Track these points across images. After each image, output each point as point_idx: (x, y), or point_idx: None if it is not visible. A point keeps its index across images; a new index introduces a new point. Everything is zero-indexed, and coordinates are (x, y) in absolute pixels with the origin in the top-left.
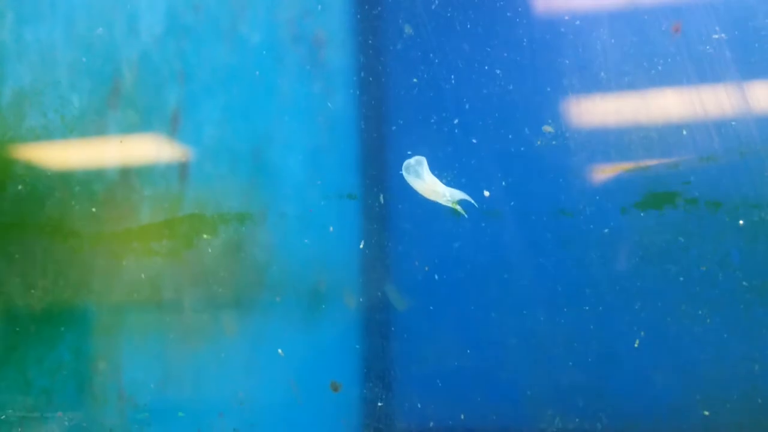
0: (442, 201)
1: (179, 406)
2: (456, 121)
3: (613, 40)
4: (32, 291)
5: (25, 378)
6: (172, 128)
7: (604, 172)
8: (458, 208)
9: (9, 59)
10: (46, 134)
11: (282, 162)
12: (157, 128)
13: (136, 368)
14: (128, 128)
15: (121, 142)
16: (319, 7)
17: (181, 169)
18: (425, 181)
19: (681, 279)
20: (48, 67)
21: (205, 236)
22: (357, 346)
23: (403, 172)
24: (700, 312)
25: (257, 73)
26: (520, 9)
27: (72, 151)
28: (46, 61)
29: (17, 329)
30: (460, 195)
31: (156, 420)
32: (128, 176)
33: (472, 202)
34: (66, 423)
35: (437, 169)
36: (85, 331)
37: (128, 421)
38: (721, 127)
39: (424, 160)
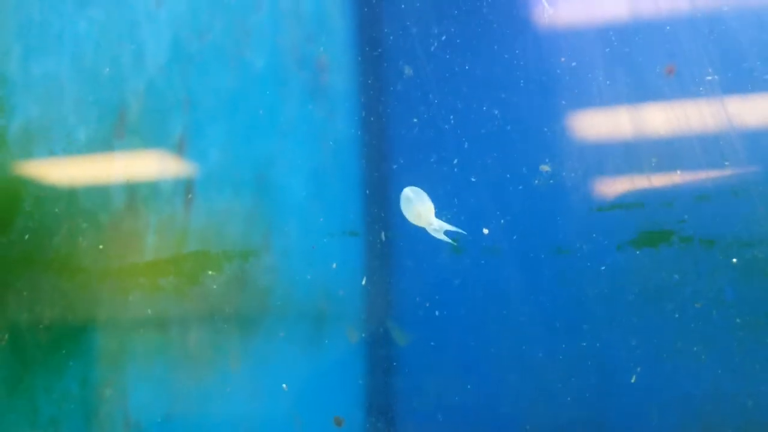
0: (429, 230)
1: None
2: (455, 161)
3: (608, 82)
4: (40, 326)
5: (33, 407)
6: (178, 155)
7: (600, 211)
8: (445, 238)
9: (16, 92)
10: (54, 163)
11: (285, 191)
12: (163, 155)
13: (141, 397)
14: (134, 156)
15: (126, 170)
16: (322, 49)
17: (187, 195)
18: (417, 210)
19: (676, 315)
20: (55, 99)
21: (210, 273)
22: (360, 381)
23: (401, 202)
24: (695, 348)
25: (262, 100)
26: (517, 52)
27: (78, 180)
28: (53, 94)
29: (25, 362)
30: (447, 226)
31: None
32: (134, 200)
33: (461, 231)
34: None
35: (437, 207)
36: (91, 363)
37: None
38: (714, 167)
39: (420, 191)
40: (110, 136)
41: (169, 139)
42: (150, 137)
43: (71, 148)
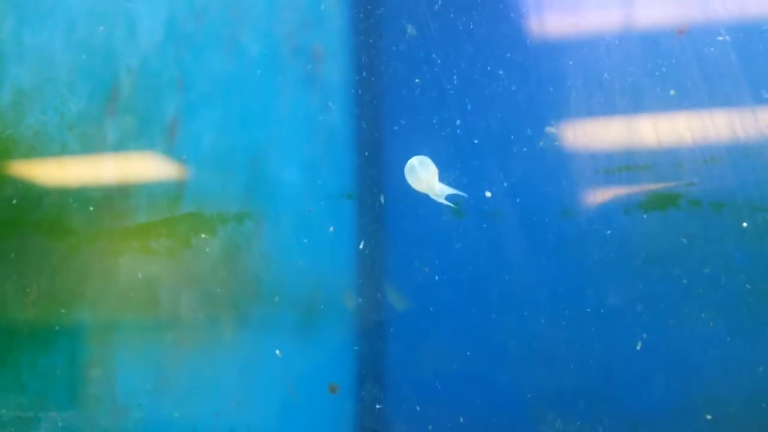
0: (432, 196)
1: (175, 407)
2: (458, 122)
3: (617, 41)
4: (27, 290)
5: (18, 381)
6: (170, 135)
7: (607, 174)
8: (447, 202)
9: (8, 61)
10: (45, 132)
11: (281, 168)
12: (155, 135)
13: (131, 368)
14: (126, 134)
15: (118, 148)
16: (322, 6)
17: (179, 178)
18: (419, 175)
19: (684, 281)
20: (47, 70)
21: (203, 236)
22: (355, 348)
23: (406, 169)
24: (703, 314)
25: (257, 84)
26: (523, 10)
27: (70, 152)
28: (45, 64)
29: (12, 331)
30: (449, 190)
31: (151, 420)
32: (126, 182)
33: (462, 194)
34: (60, 423)
35: (439, 169)
36: (80, 333)
37: (123, 420)
38: (724, 127)
39: (427, 159)
40: (102, 113)
41: (162, 118)
42: (143, 116)
43: (63, 120)
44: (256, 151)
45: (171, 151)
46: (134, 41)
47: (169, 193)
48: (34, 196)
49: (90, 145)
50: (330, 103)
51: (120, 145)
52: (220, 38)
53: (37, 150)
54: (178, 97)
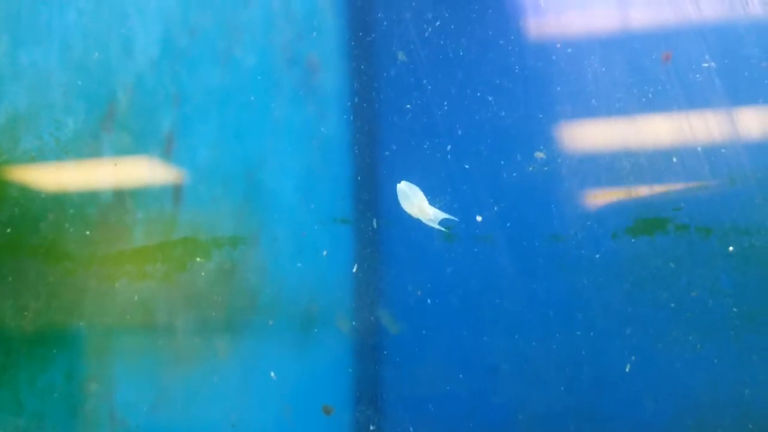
0: (425, 220)
1: (171, 429)
2: (449, 147)
3: (604, 68)
4: (25, 313)
5: (17, 400)
6: (167, 151)
7: (595, 198)
8: (438, 226)
9: (4, 81)
10: (41, 156)
11: (275, 185)
12: (152, 151)
13: (128, 390)
14: (122, 151)
15: (115, 164)
16: (314, 33)
17: (175, 192)
18: (411, 201)
19: (672, 305)
20: (43, 89)
21: (198, 259)
22: (349, 370)
23: (398, 194)
24: (690, 338)
25: (252, 98)
26: (512, 37)
27: (66, 173)
28: (41, 84)
29: (9, 351)
30: (442, 215)
31: None
32: (122, 198)
33: (455, 219)
34: None
35: (430, 194)
36: (77, 354)
37: None
38: (711, 153)
39: (413, 185)
40: (99, 130)
41: (158, 134)
42: (139, 132)
43: (59, 138)
44: (252, 163)
45: (167, 165)
46: (130, 59)
47: (164, 211)
48: (30, 219)
49: (87, 164)
50: (323, 129)
51: (117, 162)
52: (214, 52)
53: (34, 172)
54: (174, 112)
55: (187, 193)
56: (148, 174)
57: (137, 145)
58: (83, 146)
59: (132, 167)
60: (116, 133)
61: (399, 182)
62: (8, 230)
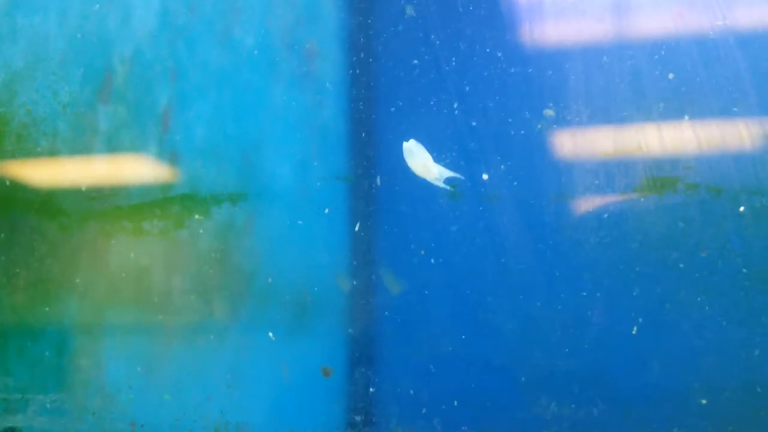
0: (432, 179)
1: (165, 389)
2: (456, 104)
3: (617, 24)
4: (17, 271)
5: (5, 368)
6: (163, 126)
7: (604, 157)
8: (445, 186)
9: (1, 41)
10: (37, 111)
11: (276, 149)
12: (148, 125)
13: (121, 350)
14: (118, 123)
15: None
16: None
17: (172, 166)
18: (417, 159)
19: (681, 265)
20: (40, 54)
21: (197, 216)
22: (350, 330)
23: (404, 152)
24: (699, 299)
25: (250, 78)
26: None
27: (62, 135)
28: (38, 47)
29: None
30: (447, 173)
31: (141, 402)
32: (118, 166)
33: (460, 177)
34: (48, 405)
35: (436, 152)
36: (68, 327)
37: (112, 403)
38: (723, 112)
39: (418, 144)
40: (95, 100)
41: (155, 109)
42: (135, 105)
43: (56, 100)
44: (250, 140)
45: (164, 140)
46: (128, 30)
47: (162, 177)
48: (25, 175)
49: (82, 130)
50: (328, 84)
51: (112, 134)
52: (214, 30)
53: (30, 129)
54: (171, 87)
55: (184, 167)
56: (146, 147)
57: (133, 118)
58: (79, 110)
59: (128, 139)
60: (113, 105)
61: (404, 139)
62: (6, 183)
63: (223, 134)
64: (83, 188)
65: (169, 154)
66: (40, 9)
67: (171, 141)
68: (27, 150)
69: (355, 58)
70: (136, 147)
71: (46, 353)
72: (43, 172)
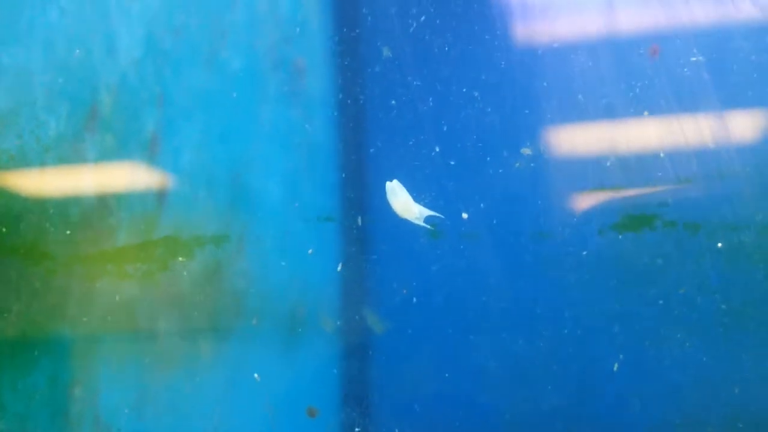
0: (413, 219)
1: (155, 431)
2: (434, 144)
3: (590, 64)
4: (6, 314)
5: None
6: (151, 152)
7: (581, 195)
8: (426, 225)
9: None
10: (22, 156)
11: (261, 185)
12: (136, 152)
13: (111, 392)
14: (106, 152)
15: (98, 170)
16: (298, 29)
17: (159, 193)
18: (399, 199)
19: (660, 302)
20: (25, 89)
21: (180, 259)
22: (334, 371)
23: (387, 192)
24: (678, 335)
25: (237, 99)
26: (498, 32)
27: (48, 174)
28: (23, 84)
29: None
30: (427, 212)
31: None
32: (105, 199)
33: (441, 216)
34: None
35: (416, 191)
36: (60, 357)
37: None
38: (699, 149)
39: (399, 184)
40: (81, 130)
41: (142, 135)
42: (122, 133)
43: (40, 137)
44: (237, 166)
45: (151, 167)
46: (113, 59)
47: (148, 213)
48: (11, 220)
49: (69, 165)
50: (307, 126)
51: (100, 164)
52: (199, 54)
53: (15, 173)
54: (158, 113)
55: (171, 194)
56: (132, 176)
57: (121, 146)
58: (66, 147)
59: (115, 170)
60: (99, 133)
61: (385, 179)
62: None
63: (209, 159)
64: (68, 232)
65: (156, 180)
66: (25, 45)
67: (159, 167)
68: (11, 196)
69: (335, 99)
70: (122, 174)
71: (38, 398)
72: (28, 216)
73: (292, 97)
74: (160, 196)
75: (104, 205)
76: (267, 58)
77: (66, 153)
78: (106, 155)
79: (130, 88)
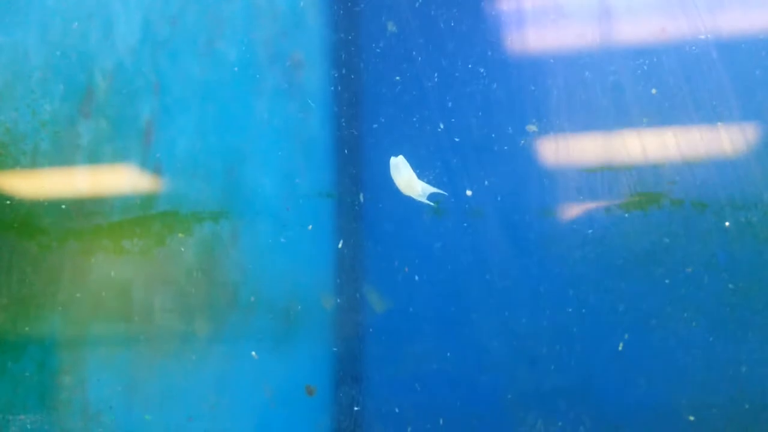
0: (416, 196)
1: (147, 410)
2: (438, 120)
3: (599, 39)
4: None
5: None
6: (146, 140)
7: (588, 172)
8: (429, 202)
9: None
10: (17, 129)
11: (260, 164)
12: (130, 139)
13: (102, 370)
14: (100, 137)
15: (91, 151)
16: (301, 4)
17: (154, 180)
18: (403, 175)
19: (666, 281)
20: (20, 70)
21: (179, 235)
22: (333, 349)
23: (391, 168)
24: (685, 314)
25: (233, 91)
26: (504, 8)
27: (43, 152)
28: (18, 63)
29: None
30: (431, 189)
31: (122, 423)
32: (99, 183)
33: (444, 193)
34: (28, 426)
35: (419, 168)
36: (51, 334)
37: (94, 424)
38: (707, 127)
39: (404, 160)
40: (76, 114)
41: (137, 123)
42: (117, 119)
43: (35, 117)
44: (233, 155)
45: (146, 154)
46: (109, 44)
47: (144, 193)
48: (4, 194)
49: (63, 146)
50: (309, 101)
51: (94, 148)
52: (196, 43)
53: (9, 148)
54: (153, 101)
55: (167, 182)
56: (127, 161)
57: (115, 132)
58: (60, 126)
59: (109, 156)
60: (94, 119)
61: (388, 156)
62: None
63: (206, 148)
64: (63, 206)
65: (152, 165)
66: (21, 24)
67: (154, 154)
68: (5, 169)
69: (337, 74)
70: (118, 159)
71: (27, 376)
72: (22, 190)
73: (290, 82)
74: (155, 182)
75: (98, 186)
76: (264, 45)
77: (60, 133)
78: (100, 141)
79: (126, 74)
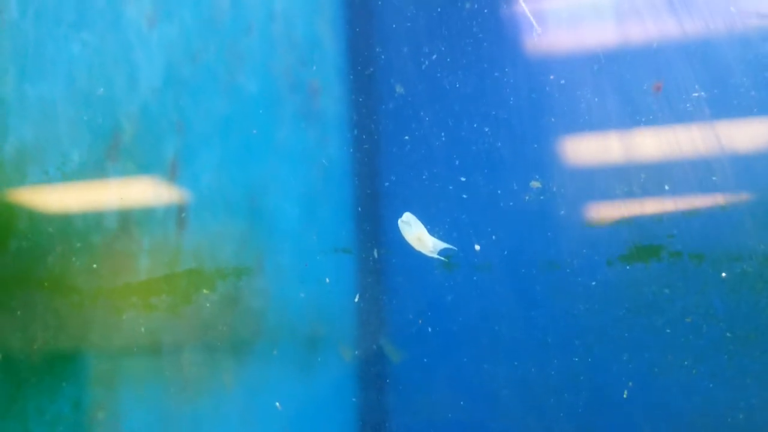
0: (427, 252)
1: None
2: (446, 178)
3: (596, 98)
4: (33, 345)
5: (25, 430)
6: (171, 178)
7: (590, 226)
8: (440, 257)
9: (11, 115)
10: (47, 188)
11: (278, 212)
12: (156, 178)
13: (134, 420)
14: (127, 179)
15: (121, 198)
16: (314, 65)
17: (179, 219)
18: (413, 232)
19: (667, 330)
20: (49, 123)
21: (204, 291)
22: (353, 399)
23: (400, 224)
24: (686, 362)
25: (254, 125)
26: (506, 69)
27: (71, 201)
28: (47, 117)
29: (18, 382)
30: (441, 245)
31: None
32: (127, 223)
33: (454, 248)
34: None
35: (429, 224)
36: (84, 383)
37: None
38: (702, 181)
39: (413, 216)
40: (104, 159)
41: (162, 162)
42: (143, 160)
43: (65, 170)
44: (255, 189)
45: (171, 192)
46: (134, 88)
47: (170, 242)
48: (38, 253)
49: (91, 192)
50: (324, 161)
51: (122, 191)
52: (217, 80)
53: (40, 205)
54: (177, 139)
55: (191, 221)
56: (152, 199)
57: (142, 173)
58: (88, 177)
59: (136, 193)
60: (121, 162)
61: (399, 212)
62: (17, 260)
63: (229, 181)
64: (94, 266)
65: (177, 205)
66: (48, 78)
67: (178, 192)
68: (38, 229)
69: (349, 135)
70: (144, 200)
71: (63, 425)
72: (54, 249)
73: (308, 121)
74: (180, 222)
75: (127, 231)
76: (283, 83)
77: (88, 182)
78: (127, 182)
79: (151, 116)
